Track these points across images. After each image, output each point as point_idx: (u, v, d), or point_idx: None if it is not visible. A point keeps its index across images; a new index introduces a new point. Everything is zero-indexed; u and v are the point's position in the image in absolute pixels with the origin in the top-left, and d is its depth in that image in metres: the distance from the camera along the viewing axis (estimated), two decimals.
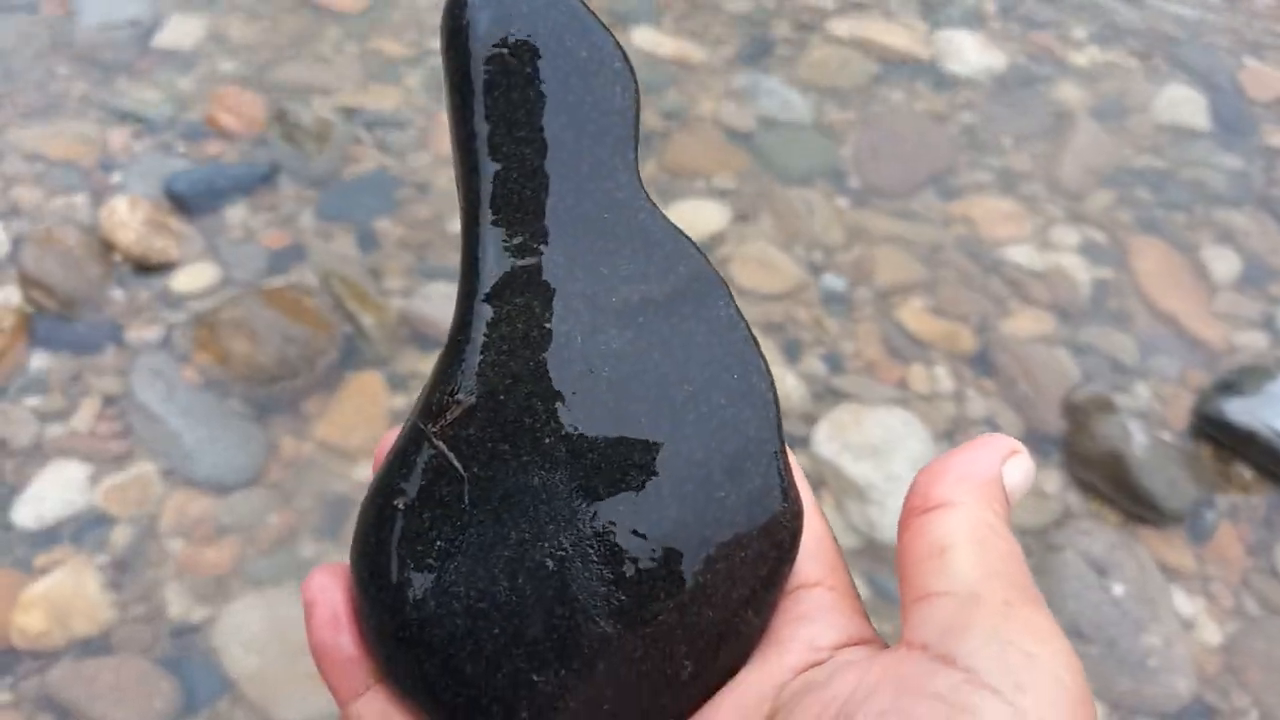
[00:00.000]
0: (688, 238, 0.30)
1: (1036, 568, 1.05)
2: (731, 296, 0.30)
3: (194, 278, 1.21)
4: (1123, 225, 1.40)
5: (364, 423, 1.10)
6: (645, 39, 1.58)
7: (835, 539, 0.32)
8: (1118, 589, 1.02)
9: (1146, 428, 1.14)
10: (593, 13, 0.31)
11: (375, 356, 1.15)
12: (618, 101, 0.30)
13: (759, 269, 1.29)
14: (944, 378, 1.21)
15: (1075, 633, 1.00)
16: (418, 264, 1.25)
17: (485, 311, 0.28)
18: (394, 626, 0.27)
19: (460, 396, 0.28)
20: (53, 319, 1.16)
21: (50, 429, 1.07)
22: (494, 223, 0.29)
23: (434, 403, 0.28)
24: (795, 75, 1.56)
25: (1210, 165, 1.49)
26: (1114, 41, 1.68)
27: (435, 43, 1.30)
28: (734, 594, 0.27)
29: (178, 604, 0.98)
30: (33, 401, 1.09)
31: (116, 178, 1.31)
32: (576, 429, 0.27)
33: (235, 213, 1.28)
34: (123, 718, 0.90)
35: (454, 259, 1.25)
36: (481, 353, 0.28)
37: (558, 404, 0.27)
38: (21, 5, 1.52)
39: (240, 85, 1.43)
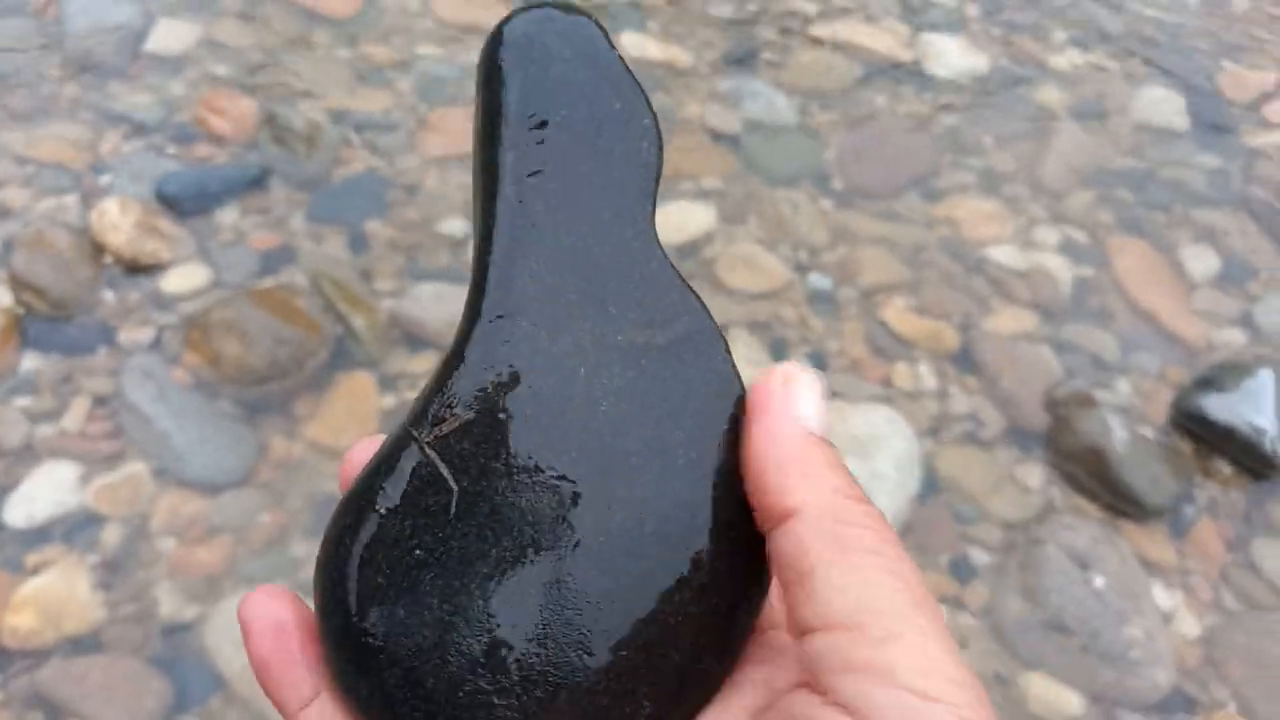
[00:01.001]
0: (694, 291, 0.30)
1: (1020, 562, 1.06)
2: (730, 351, 0.30)
3: (185, 279, 1.21)
4: (1103, 225, 1.42)
5: (354, 423, 1.11)
6: (632, 43, 1.59)
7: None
8: (1099, 582, 1.03)
9: (1127, 424, 1.16)
10: (629, 69, 0.32)
11: (365, 357, 1.16)
12: (644, 156, 0.31)
13: (745, 269, 1.30)
14: (927, 376, 1.22)
15: (1058, 625, 1.01)
16: (408, 265, 1.26)
17: (492, 331, 0.29)
18: (358, 631, 0.27)
19: (458, 410, 0.28)
20: (43, 320, 1.16)
21: (41, 429, 1.08)
22: (510, 247, 0.29)
23: (430, 412, 0.28)
24: (780, 79, 1.57)
25: (1189, 165, 1.51)
26: (1094, 44, 1.70)
27: (424, 48, 1.31)
28: (701, 640, 0.27)
29: (169, 603, 0.98)
30: (23, 402, 1.10)
31: (107, 180, 1.31)
32: (570, 457, 0.28)
33: (226, 215, 1.29)
34: (114, 716, 0.91)
35: (443, 260, 1.26)
36: (484, 370, 0.28)
37: (554, 430, 0.28)
38: (11, 9, 1.52)
39: (231, 88, 1.43)
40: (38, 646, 0.94)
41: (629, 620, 0.27)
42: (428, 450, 0.28)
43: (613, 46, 0.32)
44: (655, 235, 0.31)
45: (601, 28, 0.32)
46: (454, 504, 0.27)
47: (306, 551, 1.02)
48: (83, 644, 0.95)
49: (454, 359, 0.29)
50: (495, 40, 0.31)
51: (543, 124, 0.30)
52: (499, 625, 0.26)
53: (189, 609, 0.98)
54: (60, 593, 0.97)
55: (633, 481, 0.28)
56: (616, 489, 0.27)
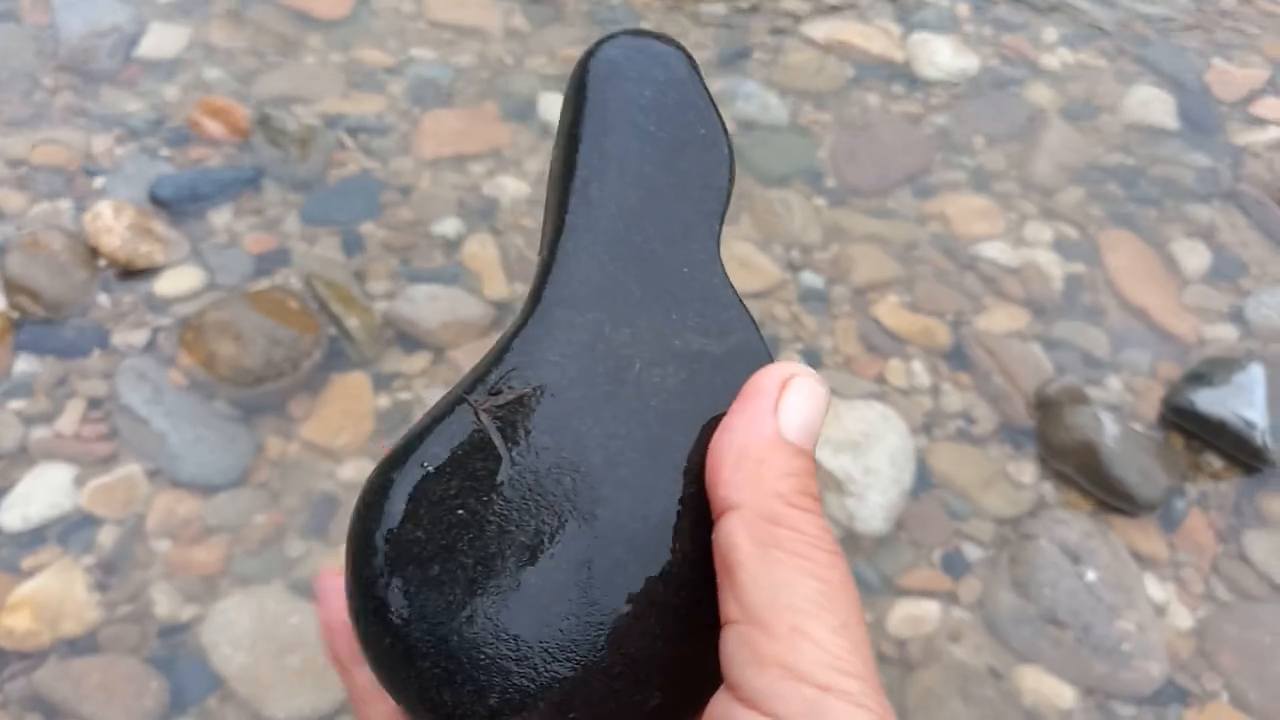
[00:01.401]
0: (748, 310, 0.32)
1: (1013, 556, 1.07)
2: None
3: (179, 281, 1.22)
4: (1094, 221, 1.43)
5: (349, 423, 1.11)
6: None
7: None
8: (1091, 576, 1.04)
9: (1118, 419, 1.16)
10: (713, 100, 0.34)
11: (360, 358, 1.16)
12: (718, 180, 0.33)
13: (739, 268, 1.31)
14: (920, 372, 1.23)
15: (1051, 619, 1.02)
16: (402, 267, 1.26)
17: (556, 313, 0.30)
18: (390, 582, 0.27)
19: (515, 384, 0.29)
20: (37, 323, 1.17)
21: (35, 432, 1.08)
22: (581, 241, 0.31)
23: (490, 381, 0.29)
24: (773, 78, 1.58)
25: (1180, 162, 1.52)
26: (1084, 43, 1.71)
27: (418, 50, 1.32)
28: (713, 635, 0.28)
29: (165, 603, 0.98)
30: (17, 405, 1.10)
31: (100, 183, 1.31)
32: (616, 444, 0.28)
33: (219, 217, 1.29)
34: (111, 717, 0.91)
35: (438, 261, 1.26)
36: (545, 349, 0.29)
37: (604, 416, 0.29)
38: (3, 14, 1.52)
39: (224, 92, 1.44)
40: (34, 648, 0.94)
41: (652, 608, 0.27)
42: (483, 416, 0.28)
43: (700, 77, 0.34)
44: (719, 255, 0.32)
45: (691, 58, 0.34)
46: (503, 471, 0.28)
47: (303, 551, 1.02)
48: (79, 645, 0.95)
49: (515, 335, 0.30)
50: (589, 58, 0.33)
51: (627, 138, 0.32)
52: (530, 596, 0.27)
53: (186, 609, 0.98)
54: (56, 594, 0.97)
55: (672, 475, 0.28)
56: (657, 481, 0.28)
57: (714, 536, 0.26)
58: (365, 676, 0.29)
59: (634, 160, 0.32)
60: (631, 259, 0.31)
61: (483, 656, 0.27)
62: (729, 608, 0.25)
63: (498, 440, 0.28)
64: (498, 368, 0.29)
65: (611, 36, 0.34)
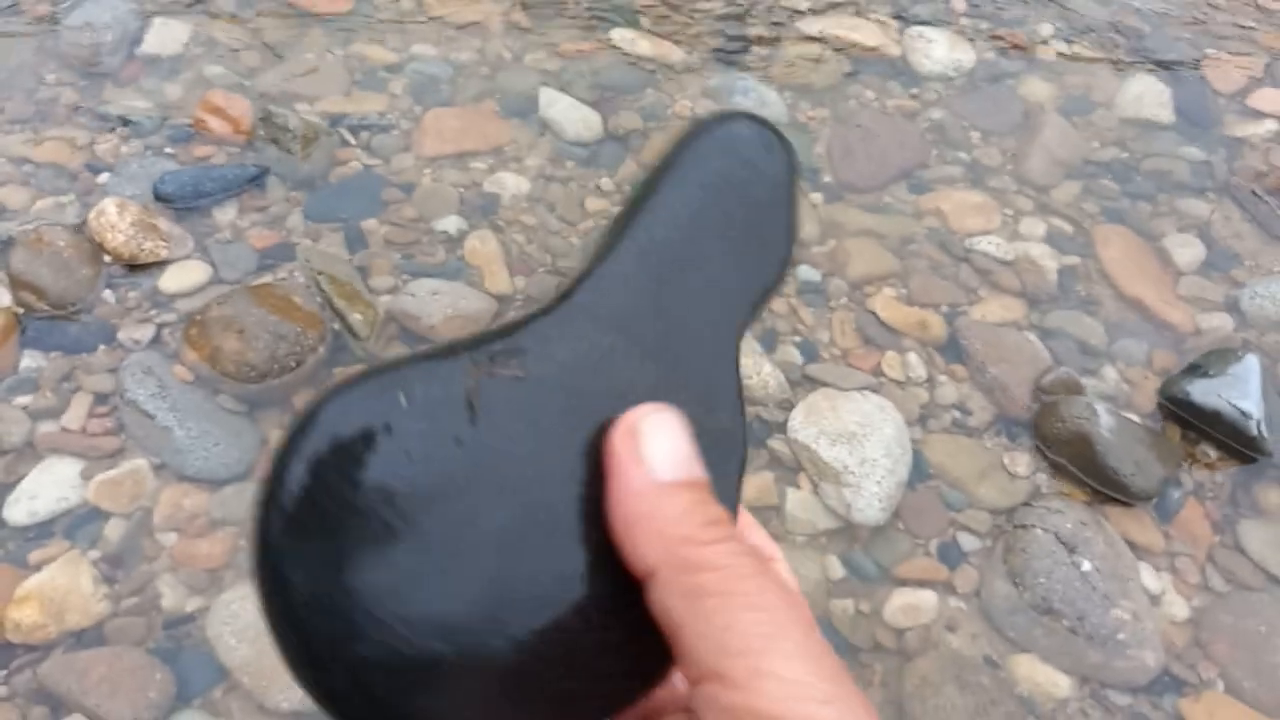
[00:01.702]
0: (743, 401, 0.33)
1: (1008, 546, 1.08)
2: (745, 464, 0.32)
3: (183, 277, 1.23)
4: (1089, 215, 1.44)
5: None
6: (623, 40, 1.60)
7: None
8: (1086, 565, 1.05)
9: (1114, 409, 1.17)
10: (797, 211, 0.36)
11: (363, 353, 1.17)
12: (768, 275, 0.34)
13: None
14: (916, 364, 1.24)
15: (1046, 608, 1.03)
16: (404, 262, 1.27)
17: (579, 323, 0.31)
18: (323, 483, 0.26)
19: (515, 363, 0.29)
20: (43, 319, 1.17)
21: (42, 427, 1.09)
22: (627, 268, 0.32)
23: (495, 350, 0.29)
24: (770, 74, 1.58)
25: (1174, 155, 1.53)
26: (1080, 37, 1.72)
27: (419, 47, 1.32)
28: (610, 658, 0.28)
29: (171, 596, 0.99)
30: (24, 400, 1.11)
31: (104, 180, 1.32)
32: (573, 453, 0.28)
33: (224, 214, 1.30)
34: (117, 708, 0.91)
35: (439, 256, 1.27)
36: (555, 348, 0.30)
37: (578, 422, 0.29)
38: (7, 12, 1.53)
39: (227, 89, 1.45)
40: (41, 640, 0.95)
41: (547, 607, 0.27)
42: (473, 376, 0.28)
43: (795, 183, 0.35)
44: (740, 341, 0.33)
45: (792, 154, 0.35)
46: (469, 420, 0.28)
47: None
48: (85, 637, 0.96)
49: (531, 320, 0.30)
50: (710, 123, 0.35)
51: (706, 206, 0.33)
52: (445, 565, 0.26)
53: (191, 601, 0.99)
54: (63, 587, 0.98)
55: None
56: (590, 497, 0.28)
57: (649, 605, 0.26)
58: None
59: (702, 228, 0.33)
60: (663, 307, 0.32)
61: (381, 614, 0.26)
62: (687, 669, 0.24)
63: (476, 400, 0.28)
64: (503, 341, 0.29)
65: (738, 115, 0.35)
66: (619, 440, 0.27)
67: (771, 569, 0.25)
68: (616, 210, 0.34)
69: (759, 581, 0.25)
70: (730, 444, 0.31)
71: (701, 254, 0.33)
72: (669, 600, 0.25)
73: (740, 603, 0.24)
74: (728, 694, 0.23)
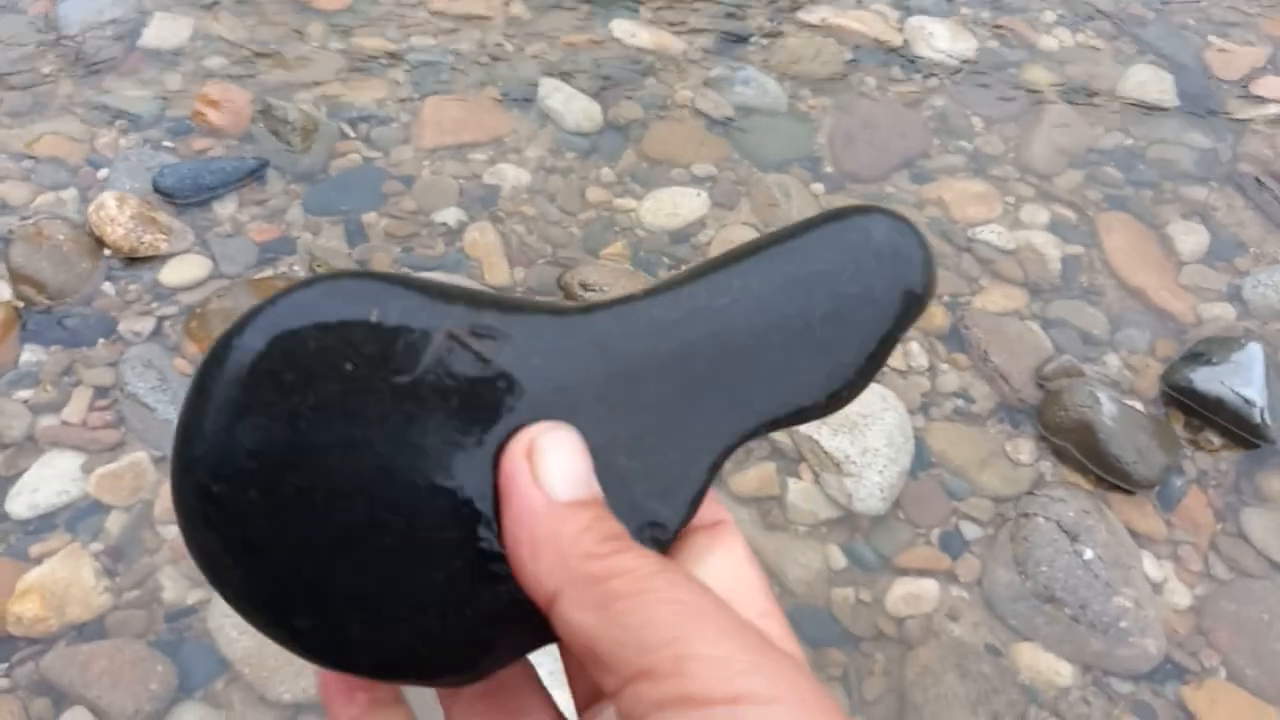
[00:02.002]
0: (695, 508, 0.30)
1: (1010, 534, 1.07)
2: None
3: (184, 270, 1.23)
4: (1092, 203, 1.43)
5: None
6: (624, 30, 1.60)
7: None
8: (1089, 553, 1.04)
9: (1116, 397, 1.17)
10: (886, 351, 0.31)
11: None
12: (807, 396, 0.30)
13: None
14: (918, 353, 1.23)
15: (1048, 596, 1.03)
16: (404, 255, 1.27)
17: (586, 348, 0.29)
18: (243, 411, 0.26)
19: (490, 344, 0.27)
20: (43, 313, 1.18)
21: (42, 420, 1.09)
22: (665, 315, 0.29)
23: (480, 325, 0.28)
24: (770, 63, 1.58)
25: (1178, 143, 1.52)
26: (1082, 24, 1.71)
27: (418, 38, 1.32)
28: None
29: (173, 588, 0.99)
30: (24, 394, 1.11)
31: (104, 174, 1.32)
32: (483, 471, 0.27)
33: (224, 207, 1.30)
34: (119, 700, 0.92)
35: (439, 249, 1.27)
36: (535, 351, 0.28)
37: (496, 431, 0.28)
38: (6, 5, 1.53)
39: (226, 82, 1.45)
40: (42, 633, 0.95)
41: (447, 574, 0.27)
42: (444, 339, 0.27)
43: (911, 311, 0.31)
44: (735, 448, 0.30)
45: (927, 282, 0.31)
46: (405, 380, 0.27)
47: None
48: (87, 630, 0.96)
49: (541, 312, 0.29)
50: (836, 213, 0.31)
51: (787, 295, 0.30)
52: (336, 511, 0.26)
53: (192, 594, 0.99)
54: (64, 580, 0.98)
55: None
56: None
57: (559, 634, 0.25)
58: (351, 715, 0.29)
59: (769, 319, 0.29)
60: (674, 374, 0.29)
61: (291, 537, 0.26)
62: (611, 680, 0.24)
63: (429, 357, 0.27)
64: (497, 316, 0.28)
65: (883, 214, 0.31)
66: (516, 460, 0.26)
67: (675, 565, 0.25)
68: (714, 255, 0.32)
69: (668, 576, 0.24)
70: (652, 539, 0.29)
71: (751, 343, 0.29)
72: (578, 616, 0.24)
73: (653, 599, 0.24)
74: (655, 687, 0.23)
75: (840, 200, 1.40)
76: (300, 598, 0.27)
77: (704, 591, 0.24)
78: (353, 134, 1.41)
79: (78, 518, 1.03)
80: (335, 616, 0.27)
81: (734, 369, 0.29)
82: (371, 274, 0.28)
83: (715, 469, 0.29)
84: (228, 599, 0.28)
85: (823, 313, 0.30)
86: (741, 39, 1.62)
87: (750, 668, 0.23)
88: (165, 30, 1.52)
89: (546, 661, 0.31)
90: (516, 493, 0.26)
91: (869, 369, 0.30)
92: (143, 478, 1.06)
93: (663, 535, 0.29)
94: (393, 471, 0.26)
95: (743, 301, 0.29)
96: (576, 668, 0.31)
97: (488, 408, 0.27)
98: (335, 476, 0.26)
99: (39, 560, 0.99)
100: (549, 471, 0.26)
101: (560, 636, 0.25)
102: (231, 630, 0.96)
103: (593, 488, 0.27)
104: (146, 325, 1.17)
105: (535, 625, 0.27)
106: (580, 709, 0.31)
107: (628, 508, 0.28)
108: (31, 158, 1.34)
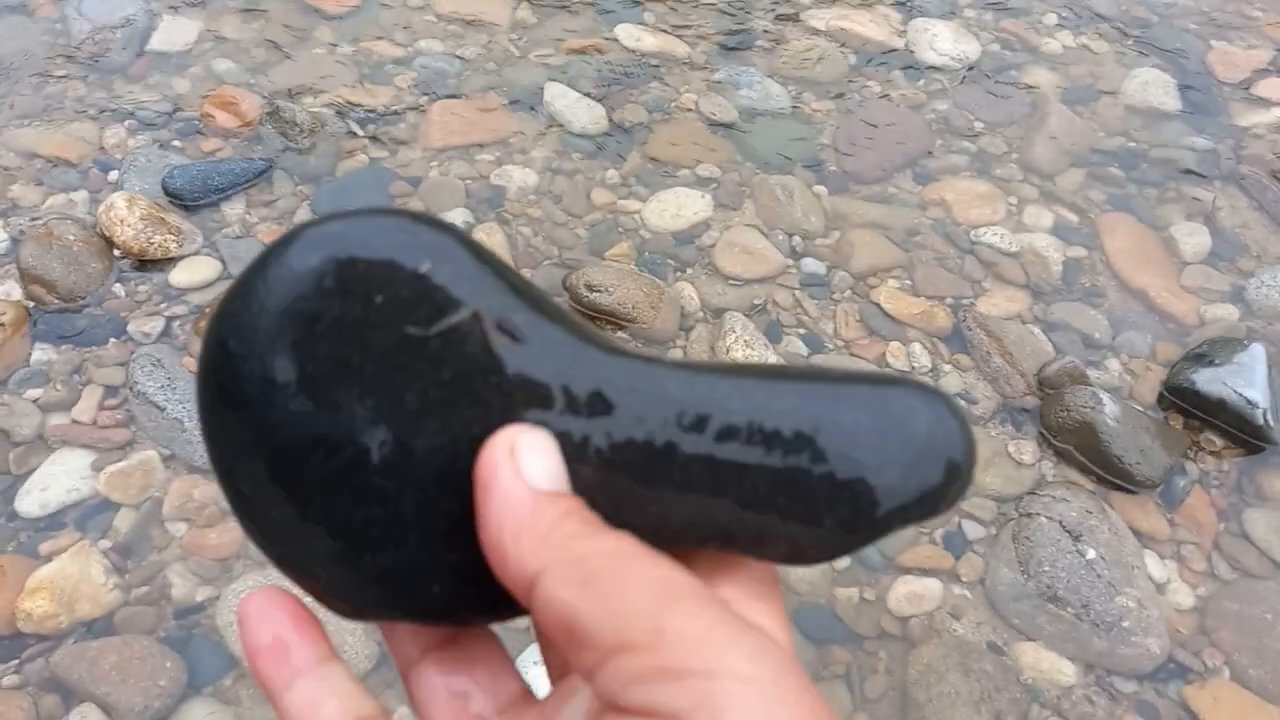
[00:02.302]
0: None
1: (1013, 534, 1.08)
2: None
3: (193, 271, 1.23)
4: (1095, 204, 1.44)
5: None
6: (629, 34, 1.61)
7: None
8: (1091, 553, 1.05)
9: (1119, 398, 1.17)
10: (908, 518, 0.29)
11: None
12: (811, 549, 0.29)
13: (741, 254, 1.32)
14: (921, 354, 1.24)
15: (1051, 596, 1.03)
16: None
17: (587, 367, 0.29)
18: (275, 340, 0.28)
19: (503, 343, 0.28)
20: (53, 313, 1.19)
21: (53, 419, 1.10)
22: (672, 385, 0.29)
23: (508, 319, 0.28)
24: (774, 66, 1.59)
25: (1180, 145, 1.53)
26: (1085, 26, 1.71)
27: (426, 42, 1.32)
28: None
29: (181, 585, 1.00)
30: (34, 393, 1.12)
31: (114, 175, 1.34)
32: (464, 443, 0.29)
33: (232, 208, 1.31)
34: (128, 696, 0.92)
35: None
36: (543, 359, 0.29)
37: (484, 423, 0.29)
38: (16, 7, 1.55)
39: (235, 84, 1.46)
40: (52, 630, 0.96)
41: (454, 534, 0.28)
42: (472, 316, 0.28)
43: (932, 505, 0.29)
44: (672, 545, 0.29)
45: (957, 482, 0.29)
46: (415, 334, 0.28)
47: None
48: (96, 627, 0.97)
49: (557, 328, 0.29)
50: (876, 377, 0.30)
51: (814, 427, 0.28)
52: (316, 412, 0.28)
53: (201, 591, 1.00)
54: (74, 577, 0.98)
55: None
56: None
57: (536, 613, 0.26)
58: (296, 702, 0.29)
59: (772, 432, 0.28)
60: (661, 444, 0.29)
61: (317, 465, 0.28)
62: (586, 657, 0.24)
63: (456, 319, 0.28)
64: (526, 316, 0.29)
65: (927, 392, 0.29)
66: (499, 453, 0.27)
67: (654, 551, 0.26)
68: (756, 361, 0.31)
69: (650, 556, 0.25)
70: None
71: (740, 457, 0.28)
72: (560, 594, 0.25)
73: (634, 576, 0.24)
74: (633, 659, 0.23)
75: (845, 202, 1.40)
76: (270, 498, 0.29)
77: (684, 571, 0.25)
78: (360, 135, 1.42)
79: (87, 515, 1.04)
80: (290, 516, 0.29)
81: (710, 472, 0.28)
82: (444, 226, 0.29)
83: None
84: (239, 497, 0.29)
85: (824, 470, 0.28)
86: (745, 43, 1.63)
87: (728, 642, 0.23)
88: (174, 33, 1.53)
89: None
90: (499, 483, 0.27)
91: (844, 543, 0.29)
92: (152, 476, 1.07)
93: None
94: (367, 408, 0.28)
95: (754, 416, 0.28)
96: (549, 645, 0.32)
97: (471, 395, 0.28)
98: (321, 386, 0.28)
99: (49, 558, 1.00)
100: (530, 466, 0.27)
101: (538, 621, 0.26)
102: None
103: (567, 486, 0.27)
104: (156, 325, 1.18)
105: (475, 590, 0.28)
106: (553, 679, 0.31)
107: None
108: (42, 159, 1.35)
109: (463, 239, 0.29)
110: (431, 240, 0.28)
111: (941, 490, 0.28)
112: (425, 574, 0.29)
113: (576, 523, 0.26)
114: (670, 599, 0.24)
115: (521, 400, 0.28)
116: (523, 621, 0.29)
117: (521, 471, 0.27)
